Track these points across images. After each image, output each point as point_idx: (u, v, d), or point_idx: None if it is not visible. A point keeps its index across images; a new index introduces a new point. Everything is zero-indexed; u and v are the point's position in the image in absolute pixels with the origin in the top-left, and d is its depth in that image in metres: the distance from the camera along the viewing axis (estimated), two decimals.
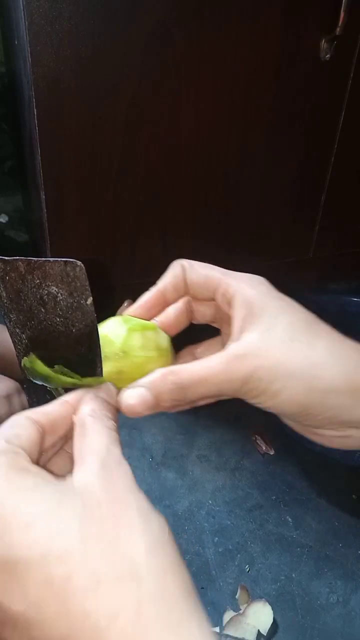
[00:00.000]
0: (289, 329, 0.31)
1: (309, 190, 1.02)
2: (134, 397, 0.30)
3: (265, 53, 0.83)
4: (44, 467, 0.29)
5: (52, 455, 0.31)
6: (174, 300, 0.36)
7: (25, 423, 0.28)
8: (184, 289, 0.35)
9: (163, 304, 0.36)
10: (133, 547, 0.23)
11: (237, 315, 0.32)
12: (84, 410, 0.29)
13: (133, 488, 0.25)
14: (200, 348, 0.38)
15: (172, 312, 0.37)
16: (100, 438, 0.27)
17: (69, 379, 0.32)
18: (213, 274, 0.34)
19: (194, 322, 0.38)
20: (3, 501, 0.23)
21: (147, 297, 0.36)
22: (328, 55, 0.86)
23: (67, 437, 0.31)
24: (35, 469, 0.26)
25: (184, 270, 0.35)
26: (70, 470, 0.26)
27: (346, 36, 0.84)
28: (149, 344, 0.34)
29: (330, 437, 0.33)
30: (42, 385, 0.34)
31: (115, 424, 0.29)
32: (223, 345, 0.36)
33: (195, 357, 0.38)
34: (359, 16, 0.83)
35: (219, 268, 0.35)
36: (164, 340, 0.36)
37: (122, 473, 0.26)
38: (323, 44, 0.85)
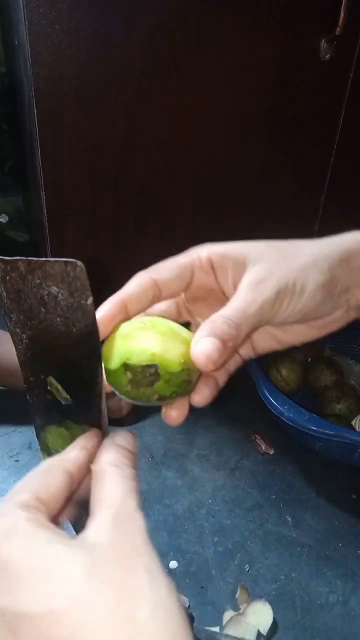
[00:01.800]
0: (273, 255, 0.35)
1: (309, 190, 1.02)
2: (208, 346, 0.30)
3: (265, 53, 0.84)
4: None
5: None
6: (135, 313, 0.35)
7: (58, 474, 0.29)
8: (150, 301, 0.35)
9: (124, 314, 0.34)
10: (136, 612, 0.22)
11: (227, 270, 0.35)
12: (103, 460, 0.30)
13: (143, 547, 0.25)
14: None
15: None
16: (116, 489, 0.27)
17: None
18: (181, 261, 0.36)
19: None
20: (17, 557, 0.24)
21: (107, 309, 0.33)
22: (328, 55, 0.86)
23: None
24: (52, 526, 0.26)
25: (151, 279, 0.34)
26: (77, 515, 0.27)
27: (346, 36, 0.84)
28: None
29: (337, 320, 0.37)
30: (43, 385, 0.34)
31: (134, 472, 0.29)
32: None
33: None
34: (359, 16, 0.83)
35: (181, 256, 0.36)
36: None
37: (135, 529, 0.25)
38: (323, 44, 0.85)
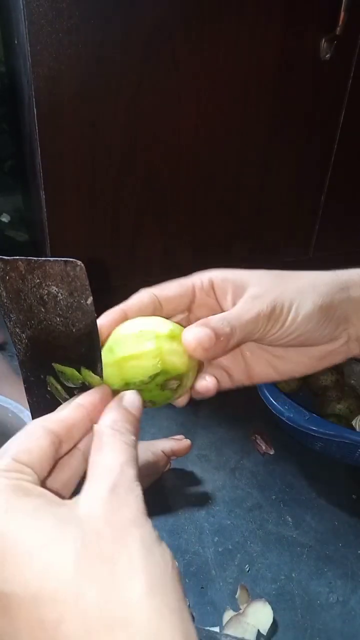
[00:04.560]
0: (272, 279, 0.36)
1: (309, 190, 1.02)
2: (200, 333, 0.31)
3: (265, 53, 0.83)
4: (55, 467, 0.29)
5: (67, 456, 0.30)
6: None
7: (39, 434, 0.27)
8: (151, 313, 0.36)
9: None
10: (129, 589, 0.22)
11: (227, 291, 0.36)
12: (104, 421, 0.28)
13: (139, 519, 0.24)
14: None
15: None
16: (116, 456, 0.26)
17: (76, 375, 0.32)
18: (183, 283, 0.37)
19: None
20: (2, 532, 0.23)
21: (108, 317, 0.34)
22: (328, 55, 0.86)
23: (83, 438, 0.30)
24: (38, 490, 0.25)
25: (153, 294, 0.36)
26: (83, 471, 0.26)
27: (346, 36, 0.84)
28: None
29: (337, 349, 0.37)
30: (43, 385, 0.34)
31: (134, 439, 0.28)
32: None
33: None
34: (359, 16, 0.83)
35: (182, 278, 0.37)
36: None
37: (131, 500, 0.24)
38: (323, 43, 0.85)
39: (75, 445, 0.30)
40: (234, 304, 0.35)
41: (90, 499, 0.24)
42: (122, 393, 0.31)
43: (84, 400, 0.30)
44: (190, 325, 0.33)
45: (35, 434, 0.27)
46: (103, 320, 0.34)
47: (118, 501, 0.24)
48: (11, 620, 0.22)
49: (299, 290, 0.34)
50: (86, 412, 0.29)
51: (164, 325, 0.33)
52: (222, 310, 0.36)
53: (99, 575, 0.22)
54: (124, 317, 0.35)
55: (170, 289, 0.36)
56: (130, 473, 0.26)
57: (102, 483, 0.25)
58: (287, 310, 0.34)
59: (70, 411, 0.29)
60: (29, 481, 0.25)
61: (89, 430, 0.29)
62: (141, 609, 0.21)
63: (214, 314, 0.36)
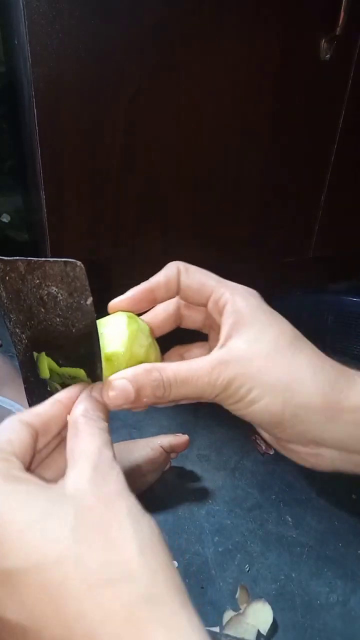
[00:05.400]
0: (274, 342, 0.32)
1: (309, 190, 1.02)
2: (116, 388, 0.31)
3: (265, 53, 0.83)
4: (40, 466, 0.30)
5: (49, 453, 0.31)
6: (163, 300, 0.36)
7: (17, 427, 0.29)
8: (176, 291, 0.36)
9: (151, 300, 0.36)
10: (125, 550, 0.23)
11: (226, 323, 0.33)
12: (77, 411, 0.30)
13: (123, 492, 0.26)
14: (187, 350, 0.39)
15: (161, 313, 0.38)
16: (93, 440, 0.28)
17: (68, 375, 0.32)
18: (208, 281, 0.35)
19: (183, 326, 0.39)
20: None
21: (135, 291, 0.35)
22: (328, 55, 0.86)
23: (62, 435, 0.31)
24: (26, 476, 0.26)
25: (179, 273, 0.35)
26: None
27: (346, 36, 0.84)
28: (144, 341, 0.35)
29: (302, 455, 0.34)
30: (43, 385, 0.34)
31: (107, 425, 0.29)
32: (210, 350, 0.37)
33: (182, 358, 0.38)
34: (359, 16, 0.83)
35: (215, 275, 0.36)
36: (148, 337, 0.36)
37: (113, 477, 0.26)
38: (323, 43, 0.85)
39: (58, 444, 0.31)
40: (223, 338, 0.33)
41: (75, 478, 0.26)
42: (92, 384, 0.32)
43: (61, 396, 0.31)
44: (124, 371, 0.31)
45: (13, 427, 0.29)
46: (128, 295, 0.35)
47: (102, 478, 0.26)
48: (14, 593, 0.23)
49: (269, 386, 0.30)
50: (63, 406, 0.31)
51: (118, 343, 0.33)
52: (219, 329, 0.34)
53: (94, 540, 0.23)
54: (152, 299, 0.35)
55: (193, 284, 0.35)
56: (108, 454, 0.27)
57: (84, 464, 0.26)
58: (239, 397, 0.31)
59: (46, 406, 0.31)
60: (16, 468, 0.26)
61: (66, 424, 0.30)
62: (136, 566, 0.23)
63: (218, 326, 0.35)
